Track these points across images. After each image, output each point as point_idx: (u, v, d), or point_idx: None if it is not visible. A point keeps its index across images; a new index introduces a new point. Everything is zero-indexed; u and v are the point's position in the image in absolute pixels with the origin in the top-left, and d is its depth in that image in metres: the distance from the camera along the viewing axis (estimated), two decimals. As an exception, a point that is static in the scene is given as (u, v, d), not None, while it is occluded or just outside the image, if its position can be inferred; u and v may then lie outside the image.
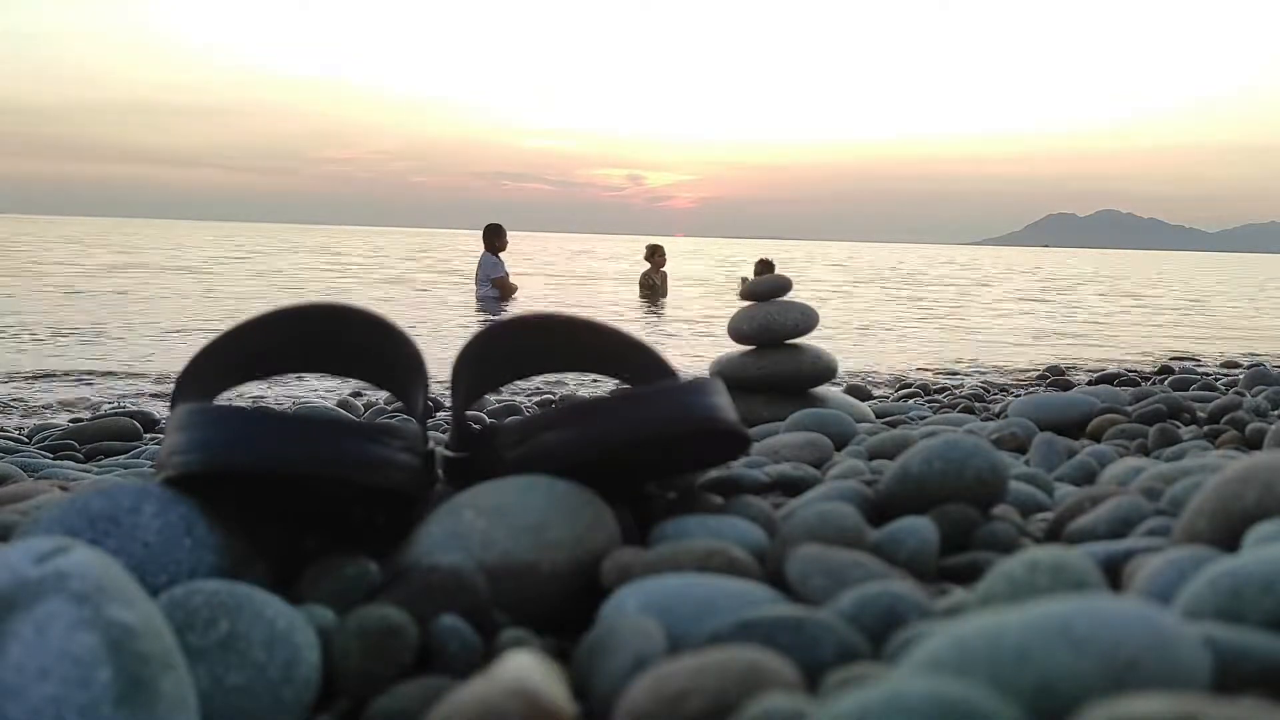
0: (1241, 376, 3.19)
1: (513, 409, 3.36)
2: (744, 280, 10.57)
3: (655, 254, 10.12)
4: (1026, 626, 0.48)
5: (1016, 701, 0.46)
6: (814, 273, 18.22)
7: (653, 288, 9.94)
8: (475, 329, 1.09)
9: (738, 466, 1.18)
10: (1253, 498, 0.75)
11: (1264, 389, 2.51)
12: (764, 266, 10.27)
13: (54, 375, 4.48)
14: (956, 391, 4.23)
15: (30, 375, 4.43)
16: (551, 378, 4.34)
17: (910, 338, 7.53)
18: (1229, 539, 0.75)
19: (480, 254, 9.02)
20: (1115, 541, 0.87)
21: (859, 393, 3.84)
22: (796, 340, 2.68)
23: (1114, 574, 0.79)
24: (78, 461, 2.43)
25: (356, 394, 3.93)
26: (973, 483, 0.95)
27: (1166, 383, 3.54)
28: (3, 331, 5.95)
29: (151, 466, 2.03)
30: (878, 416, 2.63)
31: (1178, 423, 2.02)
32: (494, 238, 8.86)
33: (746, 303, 2.73)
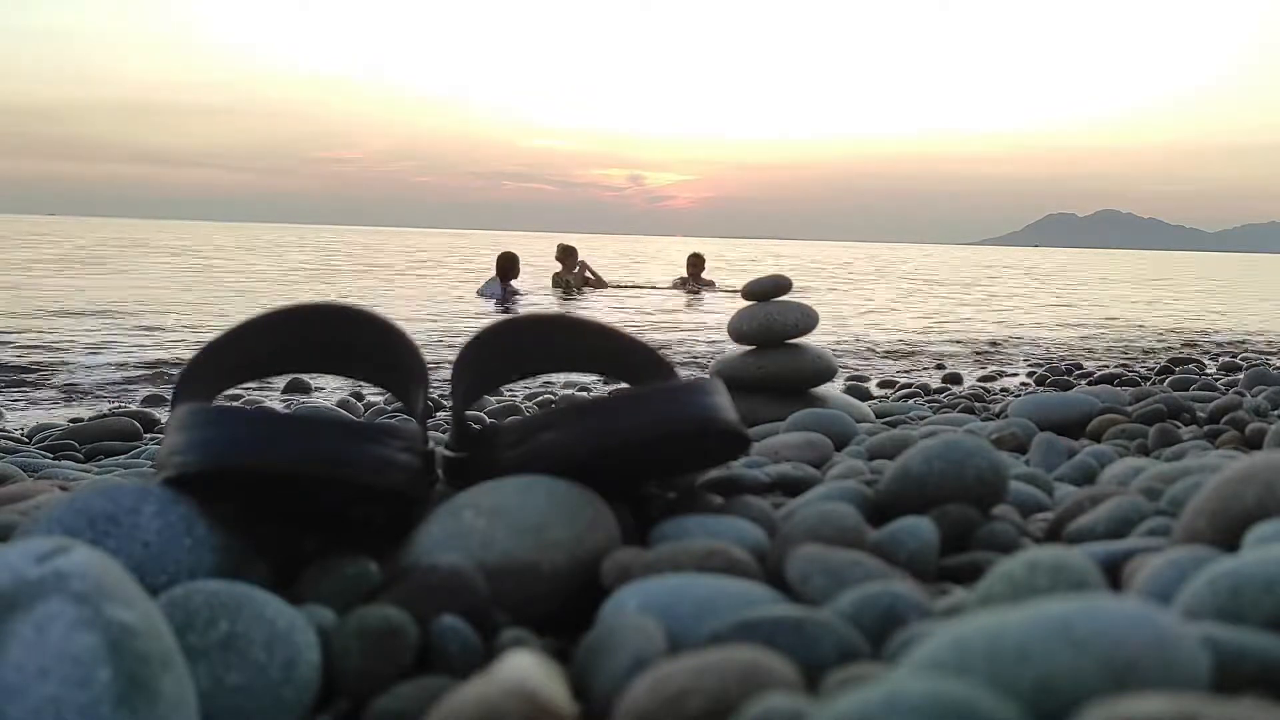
0: (1241, 377, 3.19)
1: (513, 409, 3.36)
2: (681, 280, 10.90)
3: (567, 255, 10.80)
4: (1026, 626, 0.48)
5: (1016, 702, 0.46)
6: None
7: (566, 285, 10.61)
8: (476, 328, 1.09)
9: (738, 466, 1.18)
10: (1253, 498, 0.75)
11: (1264, 389, 2.51)
12: (696, 261, 10.71)
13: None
14: (956, 391, 4.23)
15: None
16: (551, 378, 4.34)
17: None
18: (1229, 539, 0.75)
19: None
20: (1115, 541, 0.87)
21: (859, 393, 3.84)
22: (796, 340, 2.68)
23: (1114, 574, 0.79)
24: (78, 461, 2.43)
25: (357, 394, 3.93)
26: (973, 483, 0.95)
27: (1166, 383, 3.54)
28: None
29: (151, 466, 2.03)
30: (878, 416, 2.64)
31: (1178, 423, 2.02)
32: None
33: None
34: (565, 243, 11.19)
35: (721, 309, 8.21)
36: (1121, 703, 0.43)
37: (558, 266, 10.88)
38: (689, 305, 9.43)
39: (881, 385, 4.75)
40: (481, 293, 9.91)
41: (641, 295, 10.39)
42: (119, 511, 0.79)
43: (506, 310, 8.85)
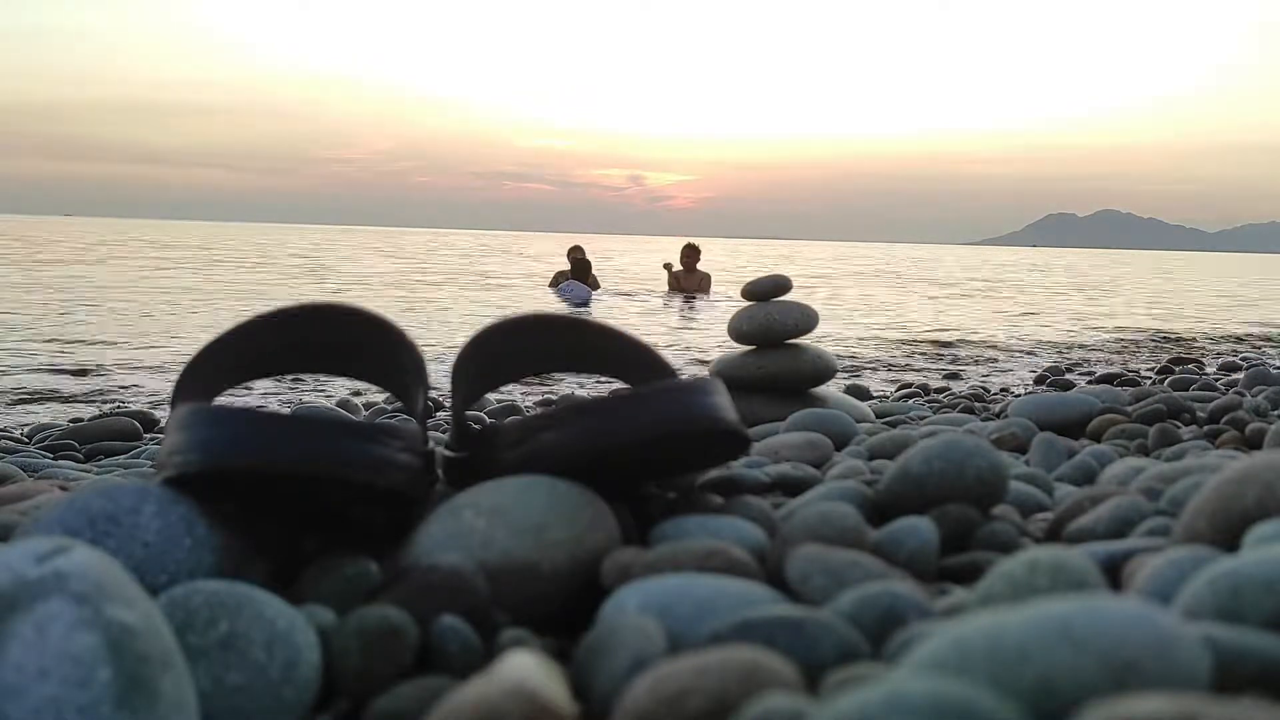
0: (1241, 377, 3.19)
1: (513, 409, 3.36)
2: (668, 267, 10.88)
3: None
4: (1026, 626, 0.48)
5: (1016, 701, 0.46)
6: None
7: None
8: (476, 328, 1.09)
9: (738, 466, 1.18)
10: (1253, 498, 0.75)
11: (1264, 389, 2.51)
12: (690, 252, 10.67)
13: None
14: (956, 392, 4.23)
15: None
16: (552, 378, 4.34)
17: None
18: (1229, 539, 0.75)
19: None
20: (1115, 541, 0.87)
21: (859, 393, 3.85)
22: (796, 340, 2.69)
23: (1114, 574, 0.79)
24: (78, 461, 2.43)
25: (357, 394, 3.93)
26: (973, 483, 0.95)
27: (1166, 383, 3.54)
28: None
29: (151, 466, 2.03)
30: (878, 416, 2.64)
31: (1178, 423, 2.02)
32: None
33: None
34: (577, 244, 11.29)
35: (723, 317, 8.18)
36: (1121, 703, 0.43)
37: (565, 267, 10.92)
38: (684, 311, 9.24)
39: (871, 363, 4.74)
40: (565, 297, 9.79)
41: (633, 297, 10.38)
42: (119, 511, 0.79)
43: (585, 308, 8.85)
